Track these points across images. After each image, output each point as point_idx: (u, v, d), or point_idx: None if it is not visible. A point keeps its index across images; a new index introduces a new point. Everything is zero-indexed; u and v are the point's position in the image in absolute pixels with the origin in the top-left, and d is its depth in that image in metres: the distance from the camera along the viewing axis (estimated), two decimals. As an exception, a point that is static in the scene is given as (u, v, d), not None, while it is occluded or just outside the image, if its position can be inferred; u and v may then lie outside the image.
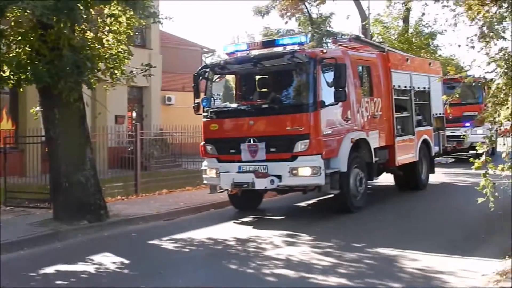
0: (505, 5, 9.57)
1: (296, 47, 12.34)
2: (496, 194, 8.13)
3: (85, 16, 11.02)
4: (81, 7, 10.68)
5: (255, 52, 12.96)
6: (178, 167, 19.55)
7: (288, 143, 11.69)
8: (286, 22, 38.47)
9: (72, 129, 11.73)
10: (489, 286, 6.82)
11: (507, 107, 8.56)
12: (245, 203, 13.69)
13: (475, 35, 10.61)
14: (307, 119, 11.61)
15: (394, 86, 14.88)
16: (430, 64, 18.04)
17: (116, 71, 12.39)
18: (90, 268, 8.67)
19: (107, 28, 12.39)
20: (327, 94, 11.78)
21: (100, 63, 11.94)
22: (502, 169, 8.26)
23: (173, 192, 16.56)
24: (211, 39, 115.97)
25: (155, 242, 10.48)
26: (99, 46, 12.03)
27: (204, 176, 13.01)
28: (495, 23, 9.22)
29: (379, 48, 15.48)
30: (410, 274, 7.73)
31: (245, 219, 12.57)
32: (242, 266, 8.42)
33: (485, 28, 9.63)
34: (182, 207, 13.90)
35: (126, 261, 9.11)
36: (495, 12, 9.77)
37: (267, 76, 13.69)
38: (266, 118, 12.11)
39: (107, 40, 12.43)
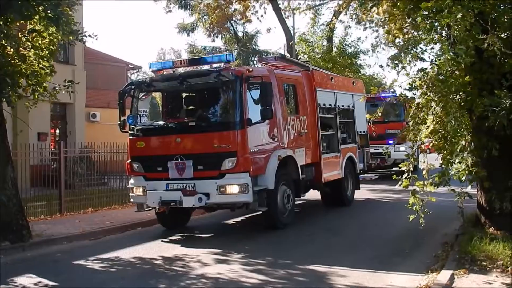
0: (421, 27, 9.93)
1: (222, 65, 12.39)
2: (425, 210, 8.40)
3: (5, 32, 10.72)
4: (0, 23, 10.37)
5: (181, 70, 12.93)
6: (104, 185, 19.21)
7: (216, 161, 11.67)
8: (213, 40, 38.60)
9: (-8, 148, 11.34)
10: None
11: (427, 126, 8.88)
12: (173, 221, 13.59)
13: (388, 58, 11.01)
14: (234, 136, 11.64)
15: (319, 104, 15.12)
16: (353, 82, 18.43)
17: (38, 88, 12.08)
18: (13, 291, 8.39)
19: (28, 43, 12.08)
20: (253, 112, 11.87)
21: (21, 80, 11.61)
22: (422, 186, 8.55)
23: (99, 211, 16.28)
24: (136, 56, 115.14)
25: (81, 262, 10.23)
26: (21, 63, 11.70)
27: (131, 194, 12.86)
28: (412, 46, 9.52)
29: (304, 67, 15.71)
30: (340, 290, 7.82)
31: (173, 237, 12.46)
32: (171, 286, 8.32)
33: (400, 50, 9.94)
34: (108, 226, 13.70)
35: (51, 283, 8.85)
36: (411, 35, 10.11)
37: (193, 94, 13.66)
38: (193, 135, 12.07)
39: (29, 56, 12.11)
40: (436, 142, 9.27)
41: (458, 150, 8.85)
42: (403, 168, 8.66)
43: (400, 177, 8.80)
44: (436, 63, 9.49)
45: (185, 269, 9.37)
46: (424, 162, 8.96)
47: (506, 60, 8.58)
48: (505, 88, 8.40)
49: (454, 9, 7.76)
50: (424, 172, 9.00)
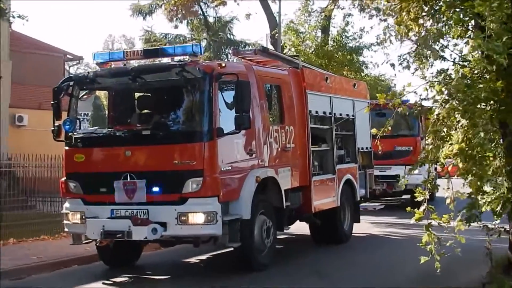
0: (444, 18, 9.92)
1: (187, 59, 12.38)
2: (443, 251, 8.33)
3: None
4: None
5: (134, 63, 12.96)
6: (31, 209, 18.95)
7: (176, 181, 11.66)
8: (176, 27, 38.40)
9: None
10: None
11: (450, 143, 8.82)
12: (119, 257, 13.47)
13: (408, 53, 10.98)
14: (200, 150, 11.60)
15: (310, 111, 15.15)
16: (355, 85, 18.46)
17: None
18: None
19: None
20: (226, 119, 11.87)
21: None
22: (448, 220, 8.47)
23: (24, 242, 16.12)
24: (77, 44, 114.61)
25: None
26: None
27: (65, 221, 12.74)
28: (432, 40, 9.51)
29: (292, 63, 15.73)
30: None
31: (118, 279, 12.35)
32: None
33: (419, 46, 9.93)
34: (36, 262, 13.55)
35: None
36: (431, 27, 10.10)
37: (149, 94, 13.67)
38: (148, 148, 12.06)
39: None
40: (460, 165, 9.22)
41: (489, 173, 8.80)
42: (420, 198, 8.59)
43: (416, 209, 8.74)
44: (461, 63, 9.47)
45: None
46: (449, 188, 8.88)
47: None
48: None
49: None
50: (448, 201, 8.92)
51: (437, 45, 9.67)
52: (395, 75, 70.42)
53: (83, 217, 12.21)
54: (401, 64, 11.14)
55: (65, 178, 12.71)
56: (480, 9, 7.87)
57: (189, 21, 40.38)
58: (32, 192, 20.20)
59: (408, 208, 8.28)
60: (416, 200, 9.00)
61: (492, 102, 9.11)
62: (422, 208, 8.67)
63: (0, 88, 22.45)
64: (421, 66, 10.15)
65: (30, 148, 18.50)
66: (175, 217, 11.59)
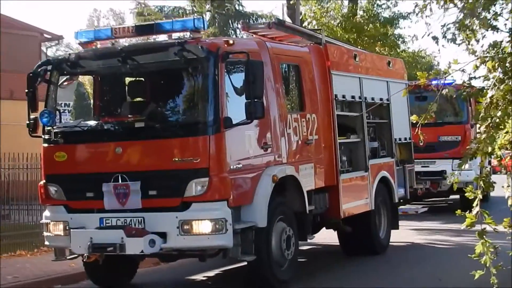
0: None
1: (187, 36, 12.38)
2: (500, 263, 8.26)
3: None
4: None
5: (124, 42, 13.06)
6: (4, 220, 19.10)
7: (177, 183, 11.67)
8: (174, -4, 38.57)
9: None
10: None
11: (506, 131, 8.74)
12: (111, 275, 13.49)
13: (453, 22, 10.88)
14: (205, 145, 11.60)
15: (336, 95, 15.14)
16: (389, 63, 18.44)
17: None
18: None
19: None
20: (235, 107, 11.87)
21: None
22: (509, 225, 8.38)
23: (-4, 258, 16.17)
24: (56, 21, 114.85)
25: None
26: None
27: (45, 233, 12.75)
28: (481, 7, 9.45)
29: (314, 39, 15.71)
30: None
31: (109, 302, 12.40)
32: None
33: (466, 15, 9.86)
34: (11, 282, 13.58)
35: None
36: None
37: (142, 79, 13.72)
38: (142, 143, 12.08)
39: None
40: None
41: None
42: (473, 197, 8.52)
43: (467, 212, 8.67)
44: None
45: None
46: (508, 186, 8.81)
47: None
48: None
49: None
50: (510, 202, 8.83)
51: (489, 12, 9.59)
52: (438, 50, 69.98)
53: (67, 228, 12.20)
54: (444, 36, 11.05)
55: (44, 181, 12.68)
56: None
57: (190, -10, 40.42)
58: (4, 199, 19.96)
59: (458, 211, 8.20)
60: (467, 201, 8.92)
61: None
62: (474, 211, 8.59)
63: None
64: (469, 38, 10.05)
65: (1, 146, 18.53)
66: (177, 226, 11.57)
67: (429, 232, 20.10)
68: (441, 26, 10.95)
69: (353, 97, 15.92)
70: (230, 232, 11.51)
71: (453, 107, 23.61)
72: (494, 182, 9.44)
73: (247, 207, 12.16)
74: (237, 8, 43.75)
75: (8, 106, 30.27)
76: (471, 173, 10.39)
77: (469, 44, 9.78)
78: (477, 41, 9.73)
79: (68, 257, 12.65)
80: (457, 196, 22.86)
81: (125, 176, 11.88)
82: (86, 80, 17.08)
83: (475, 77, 9.32)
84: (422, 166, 22.07)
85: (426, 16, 11.30)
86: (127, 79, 13.76)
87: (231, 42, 12.39)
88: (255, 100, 11.67)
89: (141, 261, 13.79)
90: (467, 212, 8.69)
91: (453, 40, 10.53)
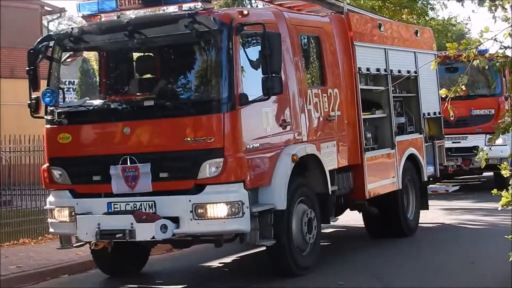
0: None
1: (198, 6, 12.16)
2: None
3: None
4: None
5: (131, 14, 12.94)
6: (6, 206, 19.20)
7: (190, 164, 11.66)
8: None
9: None
10: None
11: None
12: (120, 264, 13.46)
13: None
14: (219, 123, 11.58)
15: (360, 68, 15.07)
16: (417, 32, 18.28)
17: None
18: None
19: None
20: (251, 83, 11.80)
21: None
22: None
23: (-1, 247, 16.40)
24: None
25: None
26: None
27: (50, 220, 12.70)
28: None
29: (335, 7, 15.54)
30: None
31: (119, 292, 12.30)
32: None
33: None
34: (15, 272, 13.59)
35: None
36: None
37: (151, 54, 13.71)
38: (152, 123, 12.05)
39: None
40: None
41: None
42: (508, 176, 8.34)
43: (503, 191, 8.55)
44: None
45: None
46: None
47: None
48: None
49: None
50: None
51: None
52: (468, 17, 69.96)
53: (73, 214, 12.12)
54: (475, 2, 10.72)
55: (47, 164, 12.63)
56: None
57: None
58: (6, 184, 20.21)
59: (494, 191, 7.89)
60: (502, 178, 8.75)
61: None
62: (511, 189, 8.42)
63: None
64: (500, 2, 9.64)
65: (2, 127, 18.42)
66: (190, 210, 11.52)
67: (460, 212, 20.11)
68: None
69: (378, 69, 15.83)
70: (247, 216, 11.47)
71: (485, 79, 23.77)
72: None
73: (265, 188, 12.12)
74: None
75: (8, 85, 30.44)
76: (506, 148, 10.14)
77: (501, 8, 9.48)
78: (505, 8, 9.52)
79: (74, 245, 12.68)
80: (491, 173, 22.69)
81: (134, 158, 11.81)
82: (92, 56, 16.97)
83: (509, 46, 9.18)
84: (453, 142, 22.27)
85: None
86: (135, 55, 13.75)
87: (245, 12, 12.23)
88: (273, 75, 11.59)
89: (153, 248, 13.88)
90: (503, 191, 8.66)
91: (482, 3, 10.21)
